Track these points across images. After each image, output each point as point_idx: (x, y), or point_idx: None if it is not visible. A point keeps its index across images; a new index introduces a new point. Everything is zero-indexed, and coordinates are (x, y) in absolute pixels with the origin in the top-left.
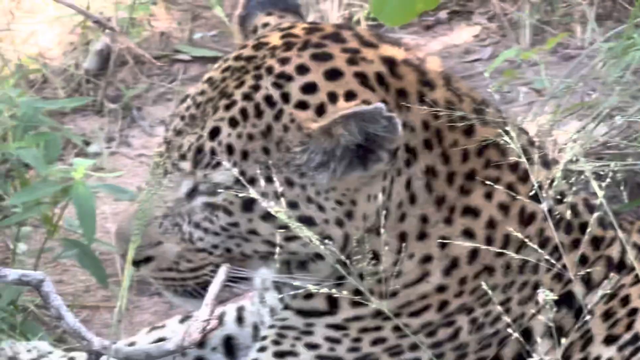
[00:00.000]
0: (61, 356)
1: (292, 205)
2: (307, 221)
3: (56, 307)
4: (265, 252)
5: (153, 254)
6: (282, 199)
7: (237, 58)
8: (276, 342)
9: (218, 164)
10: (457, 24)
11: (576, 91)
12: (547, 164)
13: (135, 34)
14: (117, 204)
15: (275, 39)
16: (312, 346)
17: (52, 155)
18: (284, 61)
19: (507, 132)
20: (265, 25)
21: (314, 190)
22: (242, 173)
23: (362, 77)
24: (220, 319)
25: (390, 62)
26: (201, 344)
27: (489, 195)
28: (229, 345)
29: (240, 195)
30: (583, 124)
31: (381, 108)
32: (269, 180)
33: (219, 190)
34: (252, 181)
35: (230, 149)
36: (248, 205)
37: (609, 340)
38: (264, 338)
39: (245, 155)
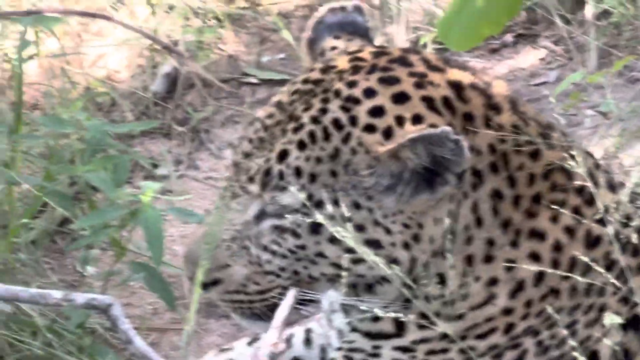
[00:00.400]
0: None
1: (359, 228)
2: (374, 244)
3: (124, 330)
4: (333, 274)
5: (221, 277)
6: (349, 222)
7: (305, 81)
8: None
9: (286, 186)
10: (523, 47)
11: None
12: (613, 187)
13: (203, 57)
14: (184, 226)
15: (343, 63)
16: None
17: (120, 178)
18: (351, 84)
19: (572, 156)
20: (333, 48)
21: (381, 213)
22: (310, 196)
23: (429, 101)
24: (289, 340)
25: (456, 86)
26: None
27: (554, 219)
28: None
29: (309, 218)
30: None
31: (448, 131)
32: (336, 203)
33: (287, 212)
34: (320, 204)
35: (298, 172)
36: (315, 228)
37: None
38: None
39: (313, 178)
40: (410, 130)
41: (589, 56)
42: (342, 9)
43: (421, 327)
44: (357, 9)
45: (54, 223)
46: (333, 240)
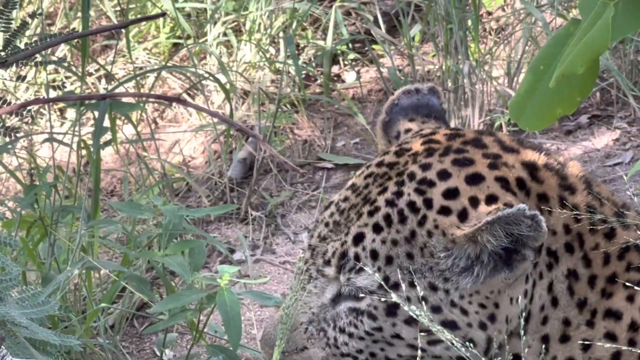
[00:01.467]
0: None
1: (435, 309)
2: (451, 325)
3: None
4: (409, 356)
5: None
6: (425, 304)
7: (380, 164)
8: None
9: (362, 269)
10: (598, 128)
11: None
12: None
13: (278, 142)
14: (262, 310)
15: (417, 145)
16: None
17: (197, 262)
18: (425, 167)
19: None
20: (408, 131)
21: (458, 294)
22: (386, 278)
23: (503, 182)
24: None
25: (531, 167)
26: None
27: (630, 298)
28: None
29: (384, 300)
30: None
31: (524, 208)
32: (412, 285)
33: (362, 295)
34: (396, 286)
35: (374, 255)
36: (392, 310)
37: None
38: None
39: (389, 260)
40: (485, 211)
41: None
42: (417, 91)
43: None
44: (432, 91)
45: (132, 307)
46: (409, 321)
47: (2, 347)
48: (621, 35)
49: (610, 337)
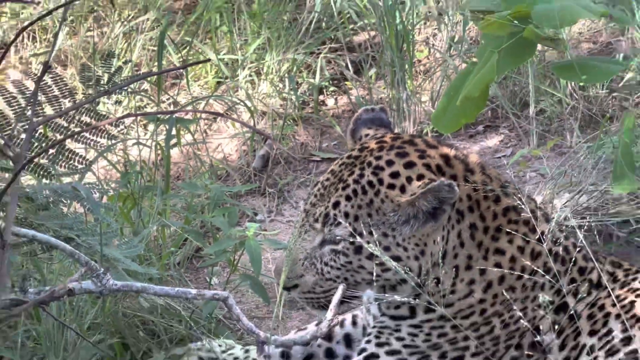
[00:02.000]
0: (240, 348)
1: (386, 248)
2: (396, 259)
3: (237, 314)
4: (369, 280)
5: (298, 283)
6: (380, 245)
7: (349, 157)
8: (377, 337)
9: (339, 223)
10: (490, 133)
11: (567, 175)
12: (548, 220)
13: (285, 144)
14: (275, 252)
15: (372, 144)
16: (399, 339)
17: (232, 221)
18: (378, 158)
19: (521, 201)
20: (367, 135)
21: (401, 238)
22: (354, 229)
23: (427, 167)
24: (342, 322)
25: (445, 157)
26: (330, 338)
27: (510, 241)
28: (348, 339)
29: (352, 242)
30: (571, 196)
31: (443, 181)
32: (371, 233)
33: (339, 240)
34: (361, 234)
35: (346, 215)
36: (358, 249)
37: (592, 333)
38: (369, 334)
39: (356, 218)
40: (417, 185)
41: (532, 138)
42: (372, 110)
43: (426, 311)
44: (382, 110)
45: (191, 251)
46: (370, 257)
47: (108, 274)
48: (502, 72)
49: (498, 266)
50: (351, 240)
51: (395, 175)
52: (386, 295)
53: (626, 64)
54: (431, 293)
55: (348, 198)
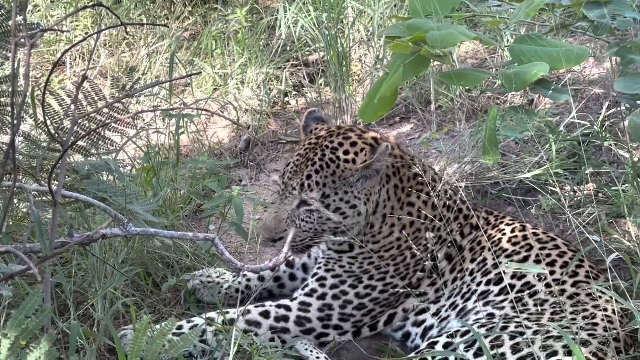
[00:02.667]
0: (230, 274)
1: (347, 201)
2: (353, 206)
3: (220, 249)
4: (333, 227)
5: (283, 236)
6: (343, 200)
7: (310, 143)
8: (325, 265)
9: (312, 189)
10: (404, 123)
11: (456, 151)
12: (443, 182)
13: (261, 131)
14: (252, 207)
15: (324, 133)
16: (341, 266)
17: (223, 185)
18: (331, 142)
19: (424, 169)
20: (315, 128)
21: (357, 191)
22: (323, 194)
23: (365, 144)
24: (309, 254)
25: (374, 138)
26: (292, 266)
27: (418, 197)
28: (304, 267)
29: (323, 202)
30: (459, 166)
31: (387, 145)
32: (336, 194)
33: (312, 202)
34: (328, 196)
35: (317, 183)
36: (327, 207)
37: (472, 260)
38: (320, 263)
39: (324, 185)
40: (362, 158)
41: (432, 126)
42: (314, 111)
43: (361, 247)
44: (317, 112)
45: (195, 207)
46: (335, 211)
47: (130, 223)
48: (406, 79)
49: (409, 214)
50: (322, 200)
51: (346, 152)
52: (335, 238)
53: (490, 73)
54: (365, 234)
55: (317, 171)
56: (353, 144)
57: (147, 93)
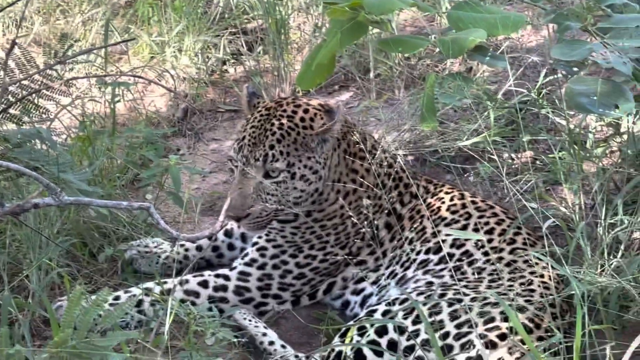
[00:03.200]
0: (167, 244)
1: (311, 167)
2: (315, 172)
3: (156, 219)
4: (297, 197)
5: (250, 212)
6: (307, 167)
7: (261, 115)
8: (267, 235)
9: (277, 159)
10: (343, 91)
11: (395, 119)
12: (384, 151)
13: (199, 100)
14: (189, 177)
15: (273, 104)
16: (283, 236)
17: (159, 154)
18: (284, 111)
19: (365, 137)
20: (257, 103)
21: (318, 156)
22: (288, 163)
23: (316, 110)
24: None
25: (321, 104)
26: (230, 235)
27: (361, 164)
28: (243, 236)
29: (290, 172)
30: (398, 134)
31: (340, 106)
32: (300, 161)
33: (278, 173)
34: (293, 164)
35: (281, 153)
36: (293, 176)
37: (411, 229)
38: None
39: (288, 154)
40: (319, 123)
41: (372, 94)
42: (252, 87)
43: (306, 216)
44: (253, 88)
45: (132, 176)
46: (300, 179)
47: (63, 193)
48: (343, 46)
49: (353, 181)
50: (287, 170)
51: (302, 119)
52: (296, 209)
53: (428, 40)
54: (314, 202)
55: (278, 140)
56: (306, 110)
57: (81, 60)
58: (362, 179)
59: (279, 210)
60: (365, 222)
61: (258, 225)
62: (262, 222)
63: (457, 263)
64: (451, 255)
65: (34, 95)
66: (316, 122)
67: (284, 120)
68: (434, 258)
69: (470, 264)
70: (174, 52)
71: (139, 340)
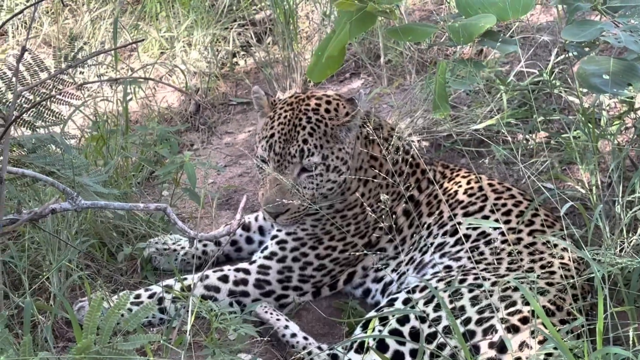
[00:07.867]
0: (185, 240)
1: (341, 158)
2: (345, 162)
3: (173, 219)
4: (330, 188)
5: (289, 208)
6: (339, 159)
7: (284, 110)
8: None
9: (313, 153)
10: (354, 79)
11: (407, 105)
12: (399, 138)
13: (211, 94)
14: (205, 172)
15: (292, 100)
16: (304, 229)
17: (174, 150)
18: (308, 105)
19: (380, 124)
20: (277, 99)
21: (345, 146)
22: (323, 155)
23: (336, 100)
24: (256, 217)
25: (338, 95)
26: (248, 229)
27: (380, 151)
28: (261, 230)
29: (325, 164)
30: (411, 120)
31: (361, 92)
32: (332, 153)
33: (315, 167)
34: (327, 157)
35: (315, 146)
36: (328, 169)
37: (429, 214)
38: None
39: (321, 147)
40: (343, 113)
41: (383, 81)
42: (257, 91)
43: (328, 208)
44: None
45: (147, 174)
46: (334, 171)
47: (79, 197)
48: (353, 37)
49: (373, 167)
50: (323, 163)
51: (327, 110)
52: (313, 204)
53: (437, 27)
54: (342, 192)
55: (310, 134)
56: (328, 102)
57: (92, 62)
58: (380, 167)
59: (313, 203)
60: (383, 216)
61: (295, 220)
62: (299, 217)
63: (475, 244)
64: (468, 237)
65: (45, 100)
66: (340, 112)
67: (311, 114)
68: (451, 240)
69: (487, 244)
70: (184, 46)
71: (161, 340)
